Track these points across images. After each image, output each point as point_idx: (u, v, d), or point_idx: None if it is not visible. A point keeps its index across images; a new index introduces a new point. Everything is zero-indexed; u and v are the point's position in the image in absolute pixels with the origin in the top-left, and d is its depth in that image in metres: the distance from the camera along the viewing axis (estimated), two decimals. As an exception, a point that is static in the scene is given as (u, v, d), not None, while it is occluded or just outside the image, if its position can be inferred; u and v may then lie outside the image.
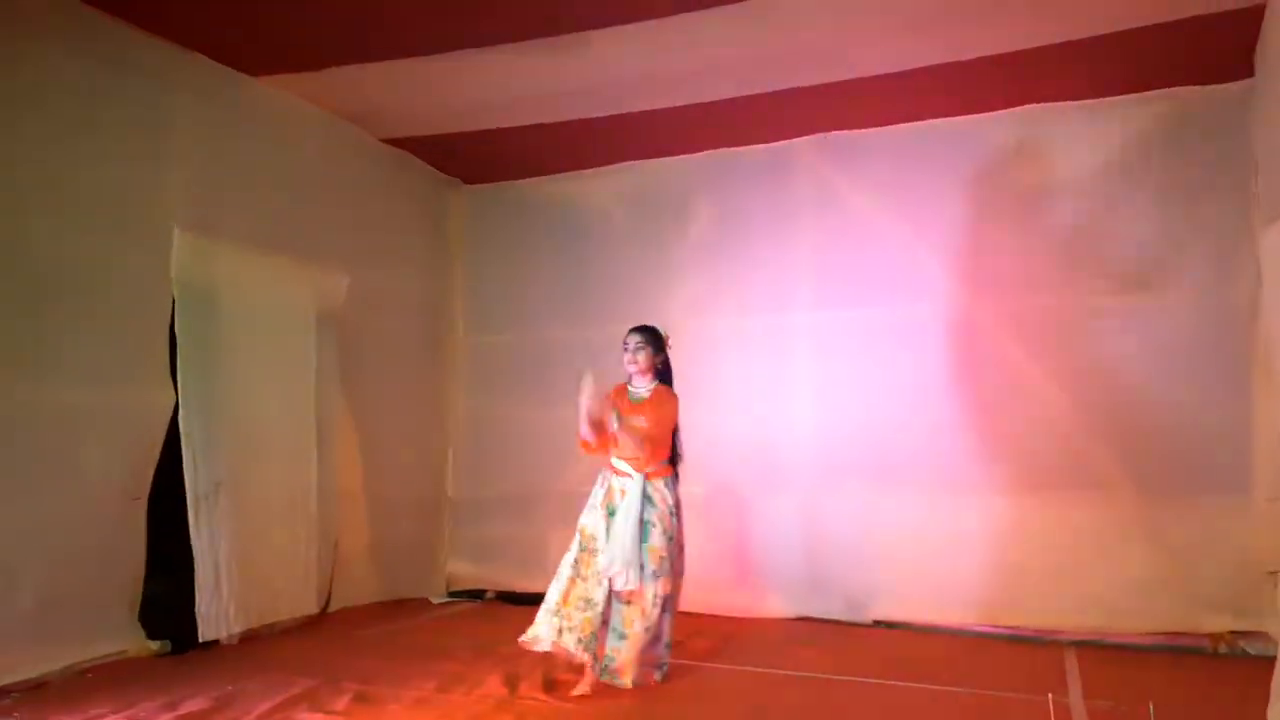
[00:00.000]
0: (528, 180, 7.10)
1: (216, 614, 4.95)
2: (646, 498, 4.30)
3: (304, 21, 4.79)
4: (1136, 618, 5.17)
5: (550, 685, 4.25)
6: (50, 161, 4.39)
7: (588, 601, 4.26)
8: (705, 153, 6.51)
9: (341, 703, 3.91)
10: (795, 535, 6.02)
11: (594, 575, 4.29)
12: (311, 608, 5.66)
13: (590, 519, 4.40)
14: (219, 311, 5.14)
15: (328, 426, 5.87)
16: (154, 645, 4.74)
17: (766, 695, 4.22)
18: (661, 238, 6.62)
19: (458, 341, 7.29)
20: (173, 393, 4.85)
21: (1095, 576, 5.29)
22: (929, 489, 5.72)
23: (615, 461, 4.41)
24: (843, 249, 6.11)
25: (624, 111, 5.87)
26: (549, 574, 6.57)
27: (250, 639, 5.14)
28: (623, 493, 4.33)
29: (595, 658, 4.21)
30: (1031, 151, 5.70)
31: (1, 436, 4.17)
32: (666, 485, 4.39)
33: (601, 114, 5.92)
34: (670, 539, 4.33)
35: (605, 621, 4.27)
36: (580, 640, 4.18)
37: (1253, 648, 4.90)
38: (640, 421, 4.34)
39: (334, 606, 5.94)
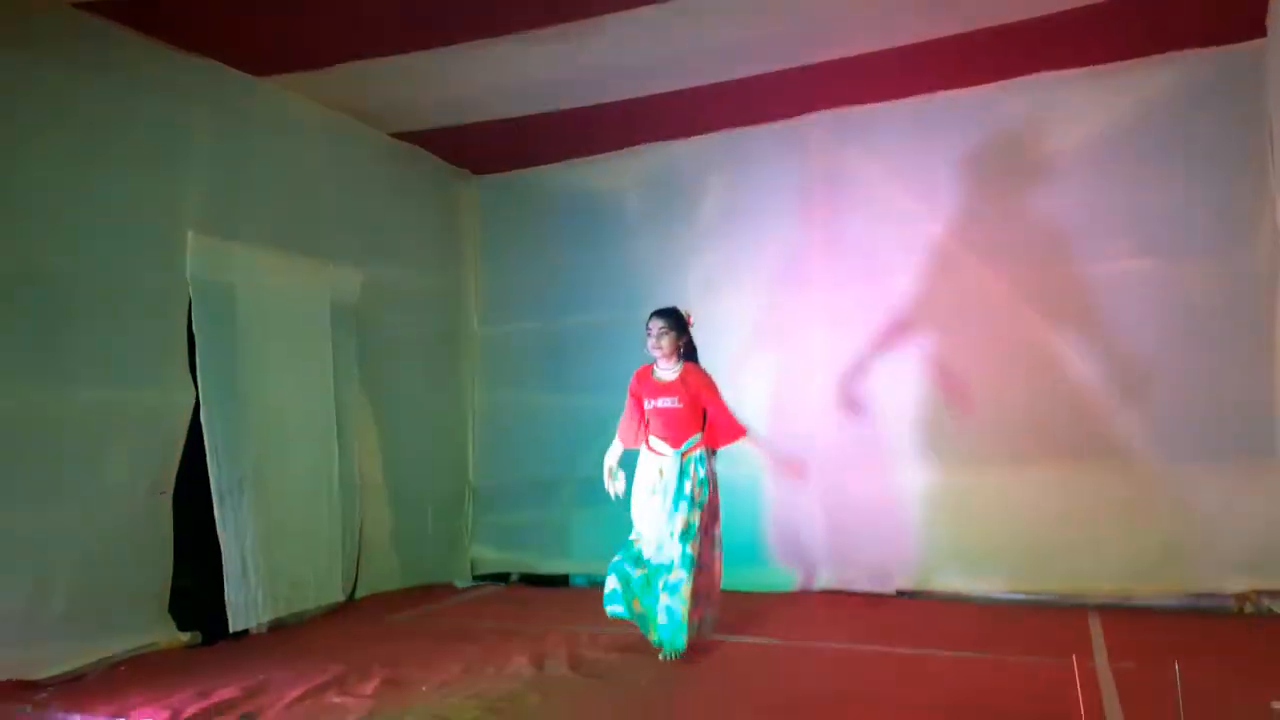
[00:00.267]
0: (539, 168, 7.11)
1: (245, 604, 5.02)
2: (682, 472, 4.46)
3: (308, 19, 4.82)
4: (1161, 580, 5.16)
5: (577, 663, 4.29)
6: (69, 172, 4.47)
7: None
8: (716, 133, 6.50)
9: (370, 687, 3.97)
10: (816, 510, 6.03)
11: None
12: (338, 595, 5.72)
13: (636, 504, 4.62)
14: (235, 311, 5.20)
15: (347, 419, 5.93)
16: (184, 637, 4.81)
17: (792, 667, 4.24)
18: (674, 220, 6.63)
19: (474, 331, 7.33)
20: (193, 391, 4.91)
21: (1119, 541, 5.28)
22: (949, 460, 5.71)
23: (652, 441, 4.59)
24: (856, 224, 6.09)
25: (633, 96, 5.86)
26: (571, 557, 6.71)
27: (279, 628, 5.21)
28: (661, 472, 4.51)
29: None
30: (1043, 120, 5.66)
31: (28, 440, 4.25)
32: (700, 461, 4.52)
33: (610, 99, 5.91)
34: (700, 507, 4.44)
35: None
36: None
37: (1278, 606, 4.89)
38: (670, 402, 4.51)
39: (360, 594, 6.01)
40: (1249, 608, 5.00)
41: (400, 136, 6.60)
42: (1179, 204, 5.33)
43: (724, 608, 5.24)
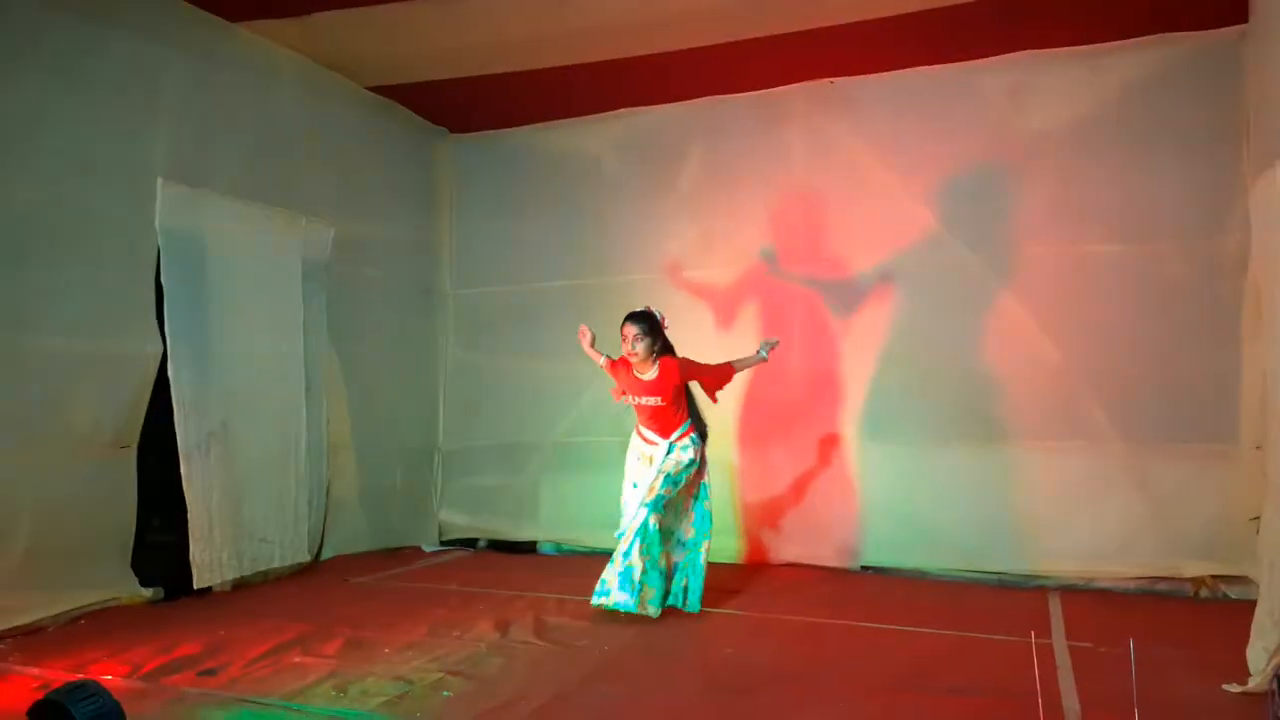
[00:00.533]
0: (516, 129, 7.03)
1: (210, 561, 5.00)
2: (670, 455, 4.62)
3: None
4: (1121, 563, 5.24)
5: (541, 629, 4.31)
6: (33, 113, 4.35)
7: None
8: (696, 100, 6.44)
9: (333, 647, 3.96)
10: (785, 483, 6.06)
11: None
12: (304, 555, 5.70)
13: (628, 482, 4.76)
14: (205, 261, 5.12)
15: (317, 377, 5.88)
16: (147, 592, 4.79)
17: (753, 639, 4.27)
18: (652, 186, 6.58)
19: (446, 292, 7.27)
20: (160, 343, 4.84)
21: (1081, 523, 5.35)
22: (917, 437, 5.76)
23: (643, 430, 4.74)
24: (835, 198, 6.08)
25: (613, 58, 5.80)
26: (540, 523, 6.72)
27: (243, 586, 5.20)
28: (651, 459, 4.68)
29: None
30: (1023, 99, 5.65)
31: (-12, 385, 4.16)
32: (689, 445, 4.65)
33: (590, 60, 5.84)
34: (676, 482, 4.57)
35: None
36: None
37: (1234, 591, 4.99)
38: (654, 401, 4.61)
39: (326, 555, 5.99)
40: (1204, 592, 5.09)
41: (378, 90, 6.49)
42: (1153, 187, 5.36)
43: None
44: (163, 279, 4.86)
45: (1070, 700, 3.26)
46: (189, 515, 4.91)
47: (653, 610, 4.45)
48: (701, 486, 4.78)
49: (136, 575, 4.79)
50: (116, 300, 4.72)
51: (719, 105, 6.40)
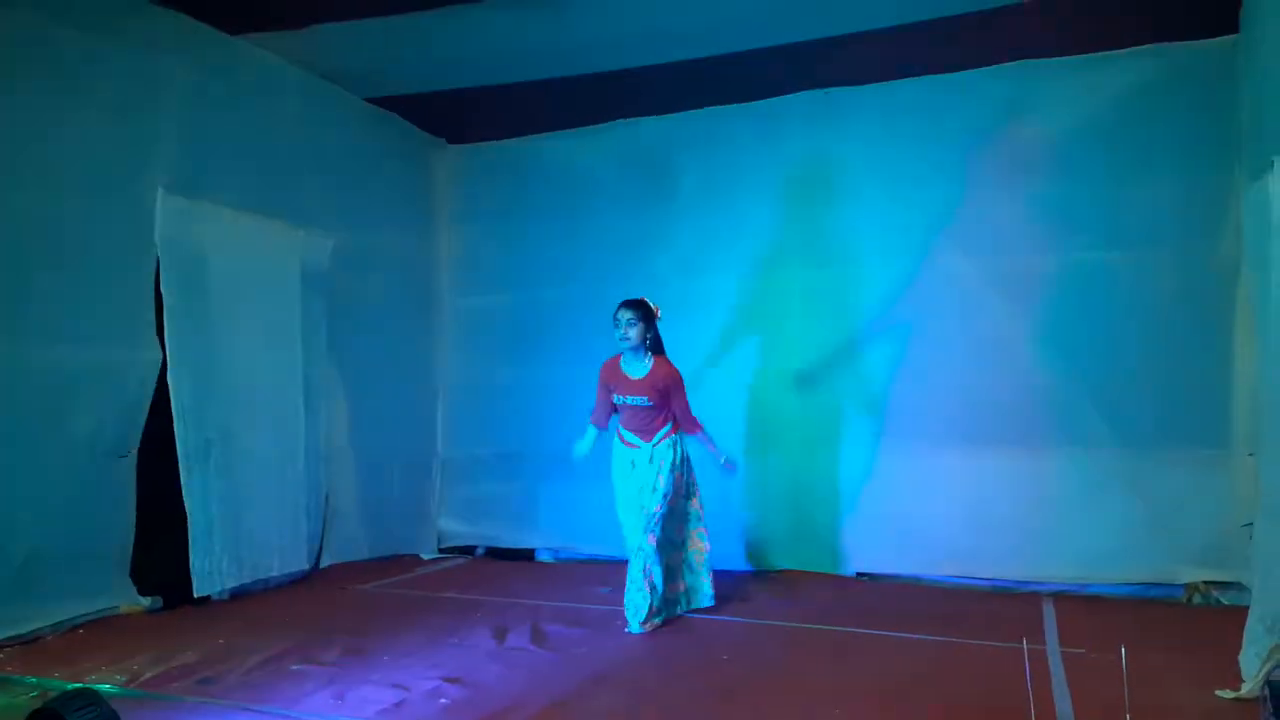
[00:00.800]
0: (514, 139, 7.05)
1: (209, 570, 5.01)
2: (652, 462, 4.63)
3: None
4: (1114, 568, 5.26)
5: (539, 637, 4.32)
6: (33, 124, 4.37)
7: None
8: (694, 110, 6.48)
9: (332, 655, 3.98)
10: (782, 490, 6.08)
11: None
12: (303, 564, 5.71)
13: (618, 493, 4.81)
14: (204, 272, 5.14)
15: (316, 386, 5.90)
16: (145, 601, 4.79)
17: (750, 645, 4.28)
18: (650, 196, 6.60)
19: (445, 301, 7.29)
20: (159, 352, 4.86)
21: (1075, 528, 5.37)
22: (912, 443, 5.79)
23: (625, 434, 4.73)
24: (831, 207, 6.11)
25: (612, 69, 5.84)
26: (538, 531, 6.73)
27: (241, 595, 5.20)
28: (633, 464, 4.68)
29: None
30: (1018, 107, 5.68)
31: (-12, 393, 4.18)
32: (669, 446, 4.67)
33: (589, 71, 5.88)
34: (665, 495, 4.56)
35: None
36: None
37: (1227, 597, 5.01)
38: (641, 401, 4.61)
39: (325, 563, 6.01)
40: (1198, 598, 5.11)
41: (376, 101, 6.52)
42: (1146, 195, 5.39)
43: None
44: (162, 289, 4.89)
45: (1064, 706, 3.28)
46: (188, 523, 4.92)
47: (681, 608, 4.76)
48: (687, 485, 4.80)
49: (135, 584, 4.80)
50: (116, 310, 4.75)
51: (717, 115, 6.44)
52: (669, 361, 4.72)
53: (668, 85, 6.08)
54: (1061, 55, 5.53)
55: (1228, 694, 3.35)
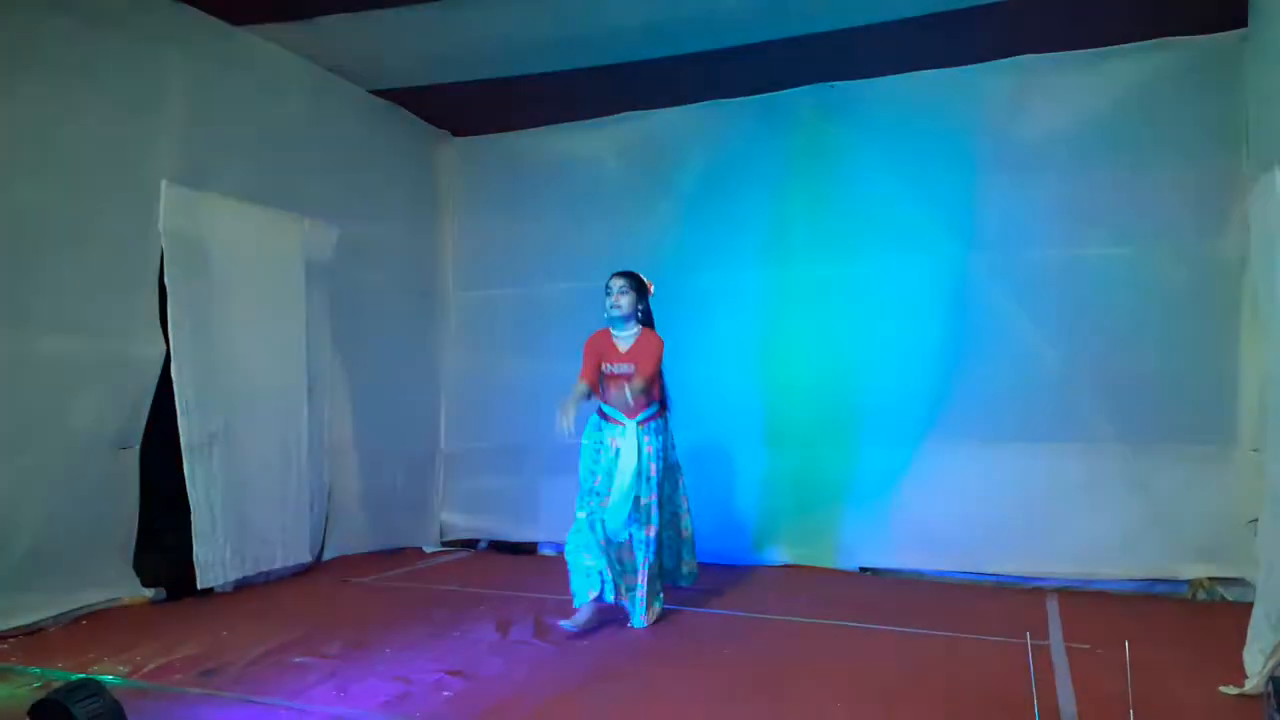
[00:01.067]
0: (518, 132, 7.05)
1: (212, 562, 5.01)
2: (640, 445, 4.41)
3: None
4: (1119, 564, 5.26)
5: (542, 630, 4.32)
6: (38, 116, 4.37)
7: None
8: (698, 104, 6.46)
9: (335, 647, 3.98)
10: (785, 484, 6.08)
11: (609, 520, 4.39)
12: (306, 556, 5.72)
13: (595, 468, 4.49)
14: (208, 263, 5.14)
15: (319, 378, 5.90)
16: (149, 593, 4.81)
17: (753, 639, 4.29)
18: (654, 190, 6.59)
19: (449, 294, 7.29)
20: (163, 344, 4.87)
21: (1080, 524, 5.36)
22: (917, 439, 5.77)
23: (606, 409, 4.52)
24: (836, 201, 6.09)
25: (616, 62, 5.82)
26: (541, 524, 6.73)
27: (244, 587, 5.21)
28: (614, 442, 4.44)
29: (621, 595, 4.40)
30: (1024, 102, 5.67)
31: (-8, 385, 4.18)
32: (657, 430, 4.51)
33: (593, 64, 5.86)
34: (655, 484, 4.46)
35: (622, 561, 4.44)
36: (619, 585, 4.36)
37: (1231, 594, 5.00)
38: (628, 369, 4.45)
39: (328, 555, 6.01)
40: (1202, 594, 5.10)
41: (381, 93, 6.51)
42: (1152, 190, 5.37)
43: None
44: (166, 280, 4.88)
45: (1067, 702, 3.27)
46: (192, 515, 4.93)
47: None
48: (674, 468, 4.70)
49: (138, 575, 4.81)
50: (120, 301, 4.75)
51: (721, 109, 6.42)
52: (656, 333, 4.58)
53: (672, 78, 6.06)
54: (1068, 49, 5.51)
55: (1232, 690, 3.34)
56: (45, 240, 4.40)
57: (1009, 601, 5.06)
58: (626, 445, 4.42)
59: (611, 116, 6.70)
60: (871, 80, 6.00)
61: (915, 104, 5.91)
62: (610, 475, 4.41)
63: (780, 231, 6.23)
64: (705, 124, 6.48)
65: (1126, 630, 3.67)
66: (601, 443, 4.50)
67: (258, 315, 5.45)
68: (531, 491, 6.80)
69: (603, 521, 4.36)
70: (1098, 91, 5.50)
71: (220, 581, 5.05)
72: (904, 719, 3.18)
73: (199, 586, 4.93)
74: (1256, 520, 4.15)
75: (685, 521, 4.77)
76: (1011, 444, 5.56)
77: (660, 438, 4.54)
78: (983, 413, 5.63)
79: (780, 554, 6.04)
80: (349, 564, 6.01)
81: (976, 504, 5.58)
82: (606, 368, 4.54)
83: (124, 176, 4.75)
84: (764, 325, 6.26)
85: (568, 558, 4.41)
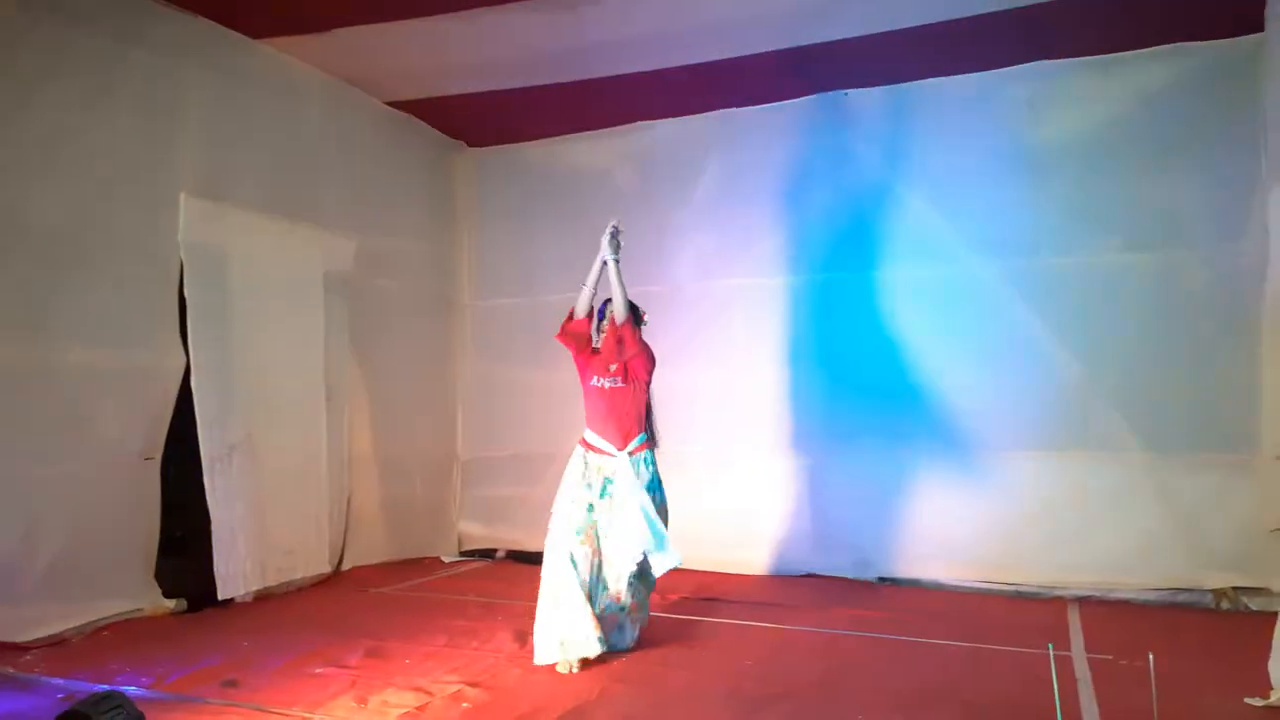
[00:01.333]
0: (533, 142, 7.08)
1: (233, 573, 5.04)
2: (637, 476, 4.11)
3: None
4: (1141, 574, 5.21)
5: (559, 641, 4.31)
6: (58, 130, 4.43)
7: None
8: (712, 113, 6.47)
9: (354, 658, 3.99)
10: (803, 494, 6.06)
11: (611, 560, 4.09)
12: (325, 566, 5.74)
13: (577, 503, 4.14)
14: (228, 275, 5.18)
15: (338, 388, 5.94)
16: (170, 604, 4.83)
17: (771, 650, 4.28)
18: (668, 199, 6.60)
19: (465, 304, 7.32)
20: (183, 355, 4.90)
21: (1101, 533, 5.33)
22: (936, 448, 5.75)
23: (590, 437, 4.21)
24: (852, 209, 6.08)
25: (630, 72, 5.84)
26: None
27: (265, 598, 5.23)
28: (600, 470, 4.13)
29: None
30: (1042, 108, 5.65)
31: (14, 397, 4.23)
32: (647, 461, 4.20)
33: (607, 75, 5.88)
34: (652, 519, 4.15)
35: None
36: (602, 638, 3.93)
37: (1255, 603, 4.95)
38: (615, 381, 4.17)
39: (347, 565, 6.03)
40: (1226, 604, 5.05)
41: (397, 105, 6.55)
42: (1170, 196, 5.35)
43: (707, 587, 5.33)
44: (185, 292, 4.92)
45: (1090, 713, 3.25)
46: (212, 527, 4.95)
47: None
48: (661, 508, 4.18)
49: (160, 586, 4.84)
50: (140, 314, 4.79)
51: (733, 118, 6.43)
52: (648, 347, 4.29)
53: (685, 88, 6.07)
54: (1085, 55, 5.49)
55: (1257, 701, 3.31)
56: (67, 252, 4.46)
57: (1030, 612, 5.03)
58: (622, 479, 4.09)
59: (625, 126, 6.71)
60: (886, 88, 5.99)
61: (932, 111, 5.90)
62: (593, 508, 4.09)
63: (795, 240, 6.22)
64: (719, 133, 6.49)
65: (1149, 640, 3.64)
66: (595, 481, 4.14)
67: (277, 326, 5.49)
68: (548, 501, 6.76)
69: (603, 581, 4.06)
70: (1115, 97, 5.48)
71: (241, 592, 5.08)
72: (925, 730, 3.17)
73: (220, 597, 4.95)
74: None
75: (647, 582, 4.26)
76: (1030, 453, 5.53)
77: (651, 470, 4.19)
78: (1002, 421, 5.61)
79: (798, 564, 6.02)
80: (368, 574, 6.03)
81: (996, 514, 5.55)
82: (595, 380, 4.21)
83: (144, 189, 4.80)
84: (781, 334, 6.24)
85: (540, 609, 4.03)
